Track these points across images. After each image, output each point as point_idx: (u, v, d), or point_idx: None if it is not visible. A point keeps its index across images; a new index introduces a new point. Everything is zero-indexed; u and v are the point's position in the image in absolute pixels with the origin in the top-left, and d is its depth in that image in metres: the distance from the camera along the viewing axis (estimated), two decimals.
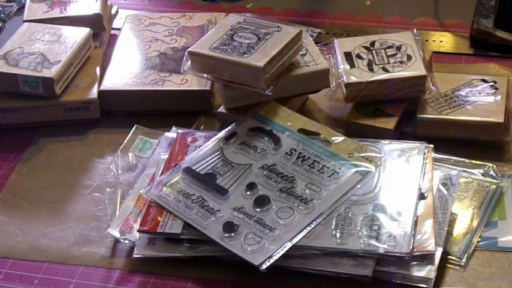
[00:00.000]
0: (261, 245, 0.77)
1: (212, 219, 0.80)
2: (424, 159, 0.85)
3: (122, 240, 0.82)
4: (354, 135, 0.88)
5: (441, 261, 0.77)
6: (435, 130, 0.91)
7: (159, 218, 0.82)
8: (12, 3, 1.24)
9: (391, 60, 0.95)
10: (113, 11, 1.17)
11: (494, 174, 0.87)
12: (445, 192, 0.83)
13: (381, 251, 0.76)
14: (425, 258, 0.76)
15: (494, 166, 0.88)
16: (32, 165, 0.95)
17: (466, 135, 0.91)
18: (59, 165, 0.95)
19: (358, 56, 0.96)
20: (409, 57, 0.95)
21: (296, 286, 0.78)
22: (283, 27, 0.94)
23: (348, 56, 0.96)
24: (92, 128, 1.00)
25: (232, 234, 0.79)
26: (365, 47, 0.97)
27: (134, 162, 0.92)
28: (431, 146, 0.87)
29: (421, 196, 0.81)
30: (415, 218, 0.79)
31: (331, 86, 0.95)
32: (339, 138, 0.87)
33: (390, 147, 0.86)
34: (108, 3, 1.16)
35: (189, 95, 0.99)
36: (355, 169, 0.84)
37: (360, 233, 0.78)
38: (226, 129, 0.90)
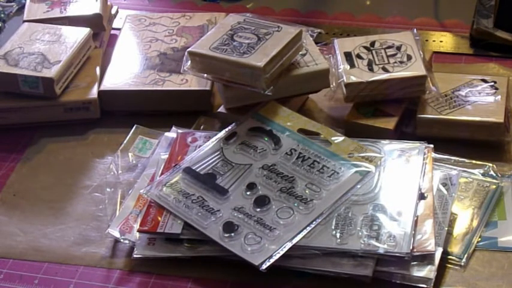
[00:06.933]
0: (261, 245, 0.77)
1: (212, 219, 0.80)
2: (424, 159, 0.85)
3: (122, 240, 0.82)
4: (354, 135, 0.88)
5: (441, 261, 0.77)
6: (435, 130, 0.91)
7: (159, 218, 0.82)
8: (12, 3, 1.24)
9: (391, 60, 0.95)
10: (113, 11, 1.17)
11: (494, 174, 0.87)
12: (445, 192, 0.83)
13: (381, 251, 0.76)
14: (425, 258, 0.76)
15: (494, 166, 0.88)
16: (32, 165, 0.95)
17: (466, 135, 0.91)
18: (59, 165, 0.95)
19: (358, 56, 0.96)
20: (409, 57, 0.95)
21: (296, 286, 0.78)
22: (283, 27, 0.94)
23: (348, 56, 0.96)
24: (92, 128, 1.00)
25: (232, 234, 0.79)
26: (365, 47, 0.97)
27: (134, 162, 0.92)
28: (431, 146, 0.87)
29: (421, 196, 0.81)
30: (415, 218, 0.79)
31: (331, 86, 0.95)
32: (339, 138, 0.87)
33: (390, 147, 0.86)
34: (108, 3, 1.15)
35: (189, 95, 0.99)
36: (355, 169, 0.84)
37: (360, 233, 0.78)
38: (226, 129, 0.90)
